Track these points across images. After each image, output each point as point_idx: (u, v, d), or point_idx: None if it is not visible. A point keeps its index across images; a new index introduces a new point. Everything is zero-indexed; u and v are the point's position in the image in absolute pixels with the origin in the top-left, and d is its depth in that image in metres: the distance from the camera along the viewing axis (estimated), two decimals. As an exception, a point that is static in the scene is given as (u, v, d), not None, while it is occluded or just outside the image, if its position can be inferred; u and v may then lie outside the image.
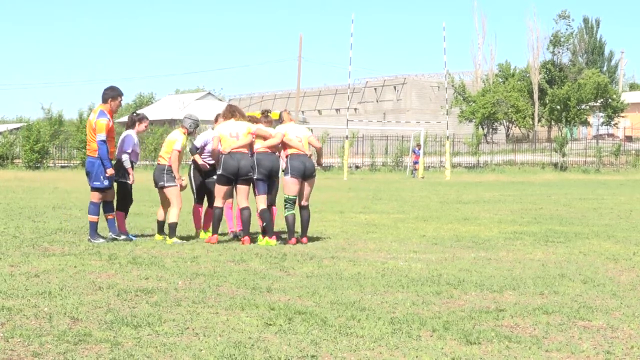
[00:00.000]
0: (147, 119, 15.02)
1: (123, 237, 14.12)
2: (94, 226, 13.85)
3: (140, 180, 16.59)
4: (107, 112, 13.75)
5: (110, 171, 13.76)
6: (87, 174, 13.92)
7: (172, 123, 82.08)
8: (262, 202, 13.91)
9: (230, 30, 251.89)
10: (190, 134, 14.69)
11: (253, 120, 14.54)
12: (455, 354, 6.62)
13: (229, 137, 13.89)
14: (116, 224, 14.21)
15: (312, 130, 14.65)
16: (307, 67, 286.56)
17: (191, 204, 15.37)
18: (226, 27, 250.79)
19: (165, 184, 14.19)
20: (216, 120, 14.94)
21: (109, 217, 14.15)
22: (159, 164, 14.36)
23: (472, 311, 8.27)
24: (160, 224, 14.56)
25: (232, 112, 14.36)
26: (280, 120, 14.53)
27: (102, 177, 13.72)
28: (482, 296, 9.19)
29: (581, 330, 7.53)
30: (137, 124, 14.68)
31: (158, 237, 14.44)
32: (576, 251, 13.37)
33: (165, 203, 14.52)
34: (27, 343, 6.77)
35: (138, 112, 15.27)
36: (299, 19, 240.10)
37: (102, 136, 13.56)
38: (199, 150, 14.83)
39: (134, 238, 14.30)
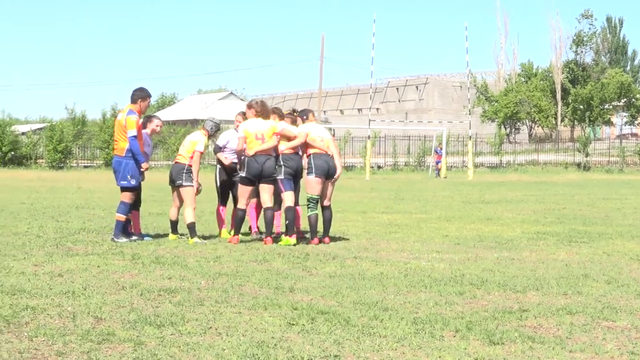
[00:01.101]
0: (158, 119, 15.03)
1: (134, 238, 14.14)
2: (119, 225, 13.90)
3: (164, 180, 16.62)
4: (137, 112, 13.87)
5: (145, 165, 13.96)
6: (115, 172, 14.01)
7: (194, 123, 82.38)
8: (289, 199, 13.89)
9: (253, 30, 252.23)
10: (211, 136, 14.73)
11: (279, 114, 14.33)
12: (479, 354, 6.60)
13: (254, 139, 13.85)
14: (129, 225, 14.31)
15: (334, 132, 14.53)
16: (329, 67, 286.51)
17: (215, 204, 15.41)
18: (248, 27, 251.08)
19: (183, 183, 14.20)
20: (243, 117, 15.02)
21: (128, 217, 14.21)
22: (177, 162, 14.36)
23: (495, 311, 8.25)
24: (174, 224, 14.58)
25: (263, 111, 14.12)
26: (304, 118, 14.42)
27: (129, 176, 13.81)
28: (505, 296, 9.17)
29: (605, 331, 7.50)
30: (147, 124, 14.74)
31: (172, 236, 14.46)
32: (600, 251, 13.31)
33: (179, 202, 14.53)
34: (51, 342, 6.80)
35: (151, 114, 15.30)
36: (321, 18, 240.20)
37: (133, 132, 13.70)
38: (222, 149, 14.99)
39: (147, 238, 14.30)
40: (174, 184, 14.38)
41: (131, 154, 13.78)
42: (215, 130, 14.73)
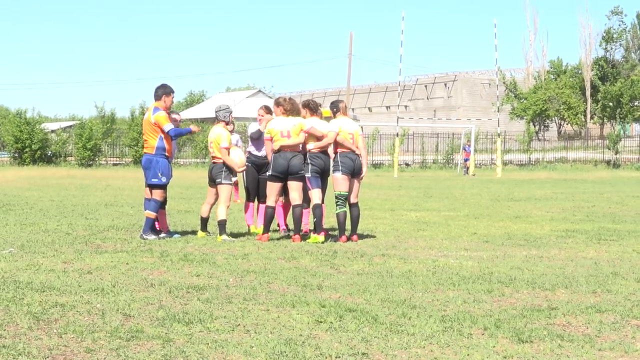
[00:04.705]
0: (177, 113, 15.15)
1: (162, 235, 14.20)
2: (149, 223, 13.95)
3: (192, 178, 16.69)
4: (162, 108, 14.02)
5: (194, 128, 14.93)
6: (145, 170, 14.11)
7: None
8: (316, 196, 13.85)
9: (281, 28, 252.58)
10: (228, 123, 14.63)
11: (312, 109, 14.23)
12: (507, 353, 6.58)
13: (280, 137, 13.83)
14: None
15: (362, 128, 14.49)
16: (357, 64, 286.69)
17: (243, 201, 15.44)
18: (276, 24, 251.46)
19: (223, 181, 14.20)
20: (269, 113, 14.99)
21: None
22: (215, 163, 14.33)
23: (524, 309, 8.22)
24: (204, 221, 14.61)
25: (292, 110, 14.07)
26: (335, 110, 14.31)
27: (159, 173, 13.94)
28: (534, 294, 9.13)
29: (634, 329, 7.46)
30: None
31: (201, 234, 14.47)
32: (629, 249, 13.24)
33: (213, 199, 14.55)
34: (80, 339, 6.84)
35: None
36: (350, 16, 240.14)
37: (169, 125, 14.05)
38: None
39: (176, 236, 14.34)
40: (214, 182, 14.39)
41: (174, 137, 14.16)
42: (229, 114, 14.61)
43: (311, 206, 13.99)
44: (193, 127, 14.89)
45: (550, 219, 18.86)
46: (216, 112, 14.61)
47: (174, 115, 14.77)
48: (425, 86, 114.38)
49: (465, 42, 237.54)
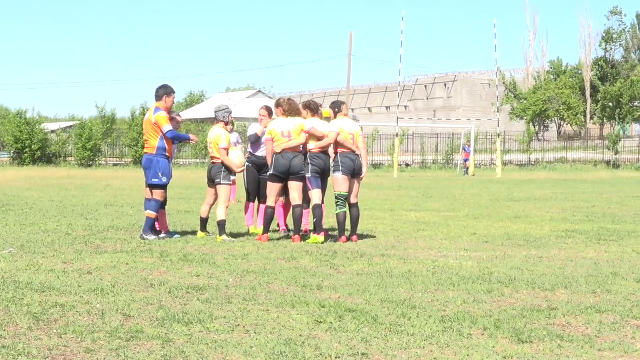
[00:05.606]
0: (177, 114, 15.20)
1: (162, 235, 14.20)
2: (149, 223, 13.95)
3: (192, 178, 16.67)
4: (163, 109, 14.04)
5: (193, 137, 15.08)
6: (145, 170, 14.11)
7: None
8: (316, 197, 13.84)
9: (281, 28, 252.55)
10: (228, 123, 14.63)
11: (312, 109, 14.22)
12: (507, 353, 6.58)
13: (281, 137, 13.84)
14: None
15: (362, 129, 14.56)
16: (357, 64, 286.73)
17: (243, 201, 15.45)
18: (276, 25, 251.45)
19: (222, 181, 14.19)
20: (270, 113, 15.00)
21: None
22: (214, 163, 14.34)
23: (524, 310, 8.22)
24: (204, 221, 14.60)
25: (291, 110, 14.08)
26: (336, 111, 14.30)
27: (160, 173, 13.94)
28: (534, 295, 9.13)
29: (634, 330, 7.46)
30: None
31: (201, 234, 14.47)
32: (629, 250, 13.23)
33: (212, 199, 14.55)
34: (80, 339, 6.84)
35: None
36: (350, 16, 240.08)
37: (169, 126, 14.03)
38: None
39: (176, 236, 14.34)
40: (213, 182, 14.39)
41: (171, 139, 14.17)
42: (229, 115, 14.61)
43: (311, 206, 13.99)
44: (193, 137, 14.97)
45: (550, 219, 18.85)
46: (215, 112, 14.61)
47: (174, 116, 14.78)
48: (425, 86, 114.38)
49: (465, 42, 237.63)
